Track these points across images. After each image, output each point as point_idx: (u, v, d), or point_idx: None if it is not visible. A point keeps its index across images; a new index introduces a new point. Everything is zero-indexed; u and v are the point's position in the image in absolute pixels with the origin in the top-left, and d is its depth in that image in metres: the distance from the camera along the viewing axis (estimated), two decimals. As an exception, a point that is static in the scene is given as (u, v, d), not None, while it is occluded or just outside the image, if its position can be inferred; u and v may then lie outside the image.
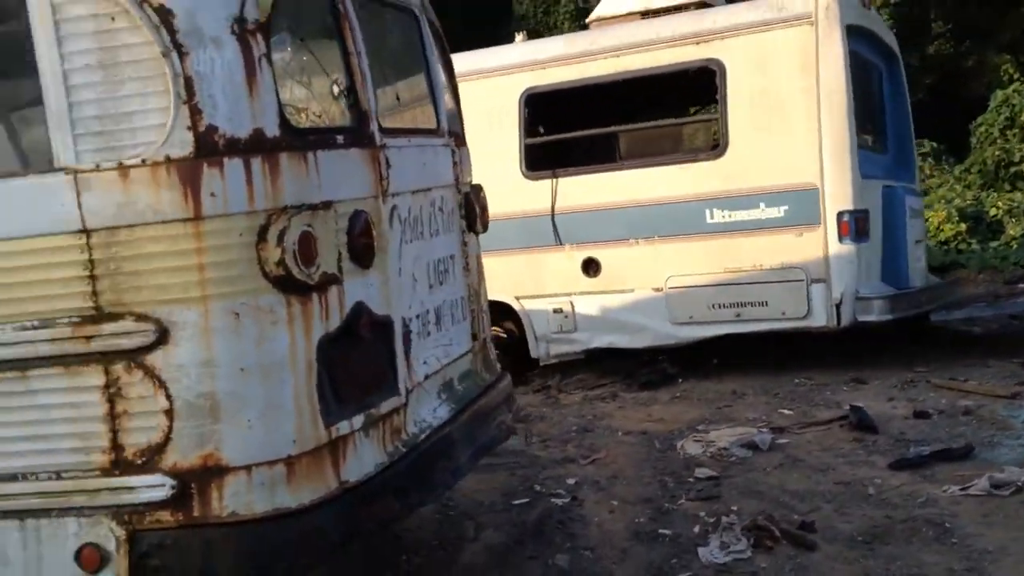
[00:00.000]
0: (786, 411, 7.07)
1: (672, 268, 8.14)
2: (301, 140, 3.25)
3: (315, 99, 3.73)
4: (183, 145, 3.00)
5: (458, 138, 4.68)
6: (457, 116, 4.97)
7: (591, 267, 8.46)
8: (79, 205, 3.04)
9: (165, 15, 2.99)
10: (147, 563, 3.10)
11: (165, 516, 3.10)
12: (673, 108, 10.65)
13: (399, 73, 4.47)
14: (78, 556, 3.14)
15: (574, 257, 8.50)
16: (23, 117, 3.28)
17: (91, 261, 3.05)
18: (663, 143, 9.23)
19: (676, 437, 6.62)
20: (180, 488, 3.08)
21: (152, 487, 3.09)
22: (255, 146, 3.08)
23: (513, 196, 8.64)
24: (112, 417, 3.10)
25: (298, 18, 3.58)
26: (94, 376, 3.09)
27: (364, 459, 3.41)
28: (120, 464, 3.10)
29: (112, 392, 3.09)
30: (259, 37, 3.12)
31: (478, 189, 4.95)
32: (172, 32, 3.00)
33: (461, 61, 9.06)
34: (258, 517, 3.11)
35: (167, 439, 3.08)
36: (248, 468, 3.10)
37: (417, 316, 3.96)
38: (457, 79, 8.92)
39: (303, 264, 3.14)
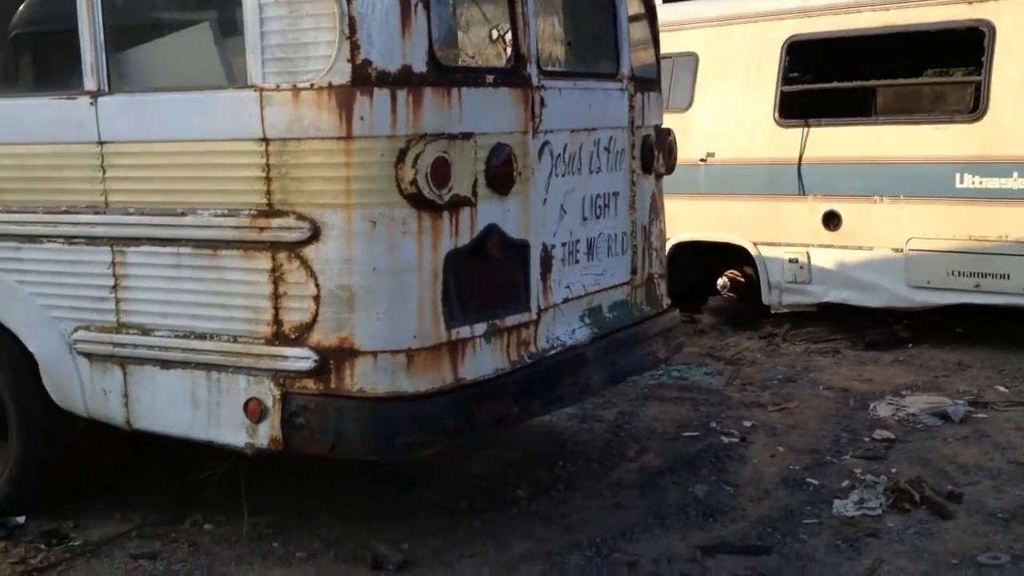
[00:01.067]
0: (1002, 388, 6.84)
1: (914, 229, 7.94)
2: (447, 77, 3.71)
3: (472, 41, 4.17)
4: (342, 74, 3.55)
5: (641, 83, 4.95)
6: (654, 63, 5.24)
7: (831, 220, 8.38)
8: (261, 118, 3.67)
9: (339, -37, 3.52)
10: (294, 420, 3.76)
11: (309, 384, 3.73)
12: (932, 66, 10.16)
13: (579, 20, 4.80)
14: (246, 406, 3.85)
15: (816, 208, 8.46)
16: (232, 42, 3.92)
17: (267, 165, 3.69)
18: (919, 101, 8.91)
19: (874, 399, 6.61)
20: (321, 363, 3.70)
21: (301, 358, 3.73)
22: (402, 80, 3.58)
23: (762, 142, 8.70)
24: (275, 296, 3.76)
25: (468, -33, 4.01)
26: (264, 261, 3.75)
27: (482, 362, 3.89)
28: (279, 336, 3.76)
29: (276, 276, 3.74)
30: (419, -15, 3.59)
31: (664, 133, 5.21)
32: (343, -23, 3.52)
33: (724, 6, 9.23)
34: (380, 396, 3.68)
35: (314, 320, 3.70)
36: (375, 354, 3.67)
37: (563, 244, 4.35)
38: (718, 24, 9.04)
39: (434, 185, 3.62)
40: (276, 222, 3.70)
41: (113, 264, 4.06)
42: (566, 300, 4.40)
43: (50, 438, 4.47)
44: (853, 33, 8.35)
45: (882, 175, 8.09)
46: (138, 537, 4.41)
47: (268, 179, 3.70)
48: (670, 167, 5.32)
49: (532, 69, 4.08)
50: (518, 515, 4.67)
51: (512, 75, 4.01)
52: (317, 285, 3.68)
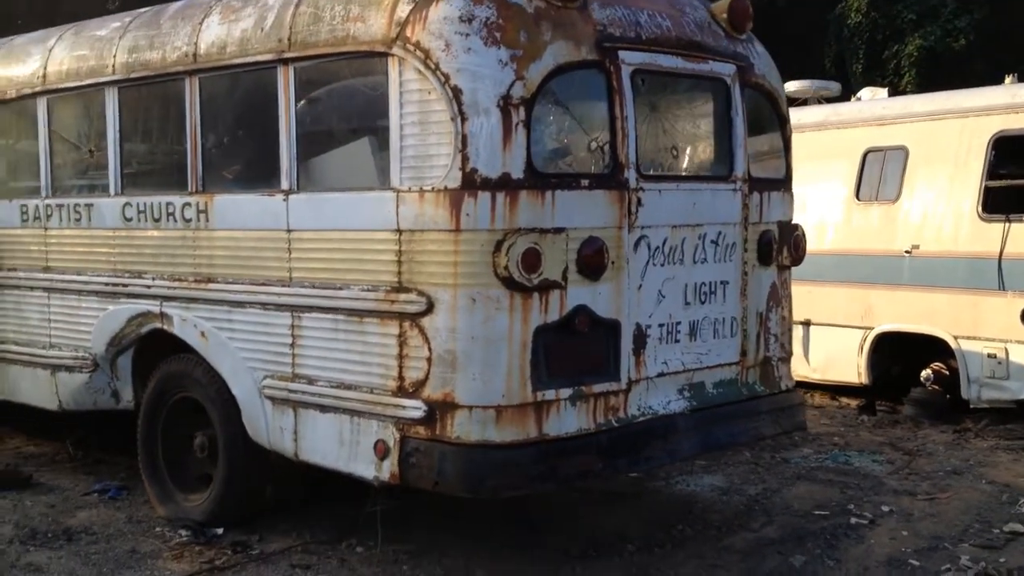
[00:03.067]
0: None
1: (1113, 330, 7.82)
2: (543, 182, 4.51)
3: (572, 151, 4.92)
4: (455, 180, 4.44)
5: (761, 183, 5.50)
6: (783, 166, 5.78)
7: (1030, 317, 8.37)
8: (397, 213, 4.61)
9: (457, 93, 4.43)
10: (408, 459, 4.62)
11: (420, 430, 4.58)
12: None
13: (692, 128, 5.45)
14: (375, 446, 4.75)
15: (1014, 304, 8.46)
16: (383, 154, 4.87)
17: (399, 251, 4.62)
18: None
19: (1032, 495, 6.65)
20: (430, 413, 4.54)
21: (415, 408, 4.59)
22: (502, 184, 4.42)
23: (965, 236, 8.81)
24: (400, 357, 4.65)
25: (572, 91, 4.79)
26: (394, 327, 4.66)
27: (566, 421, 4.59)
28: (401, 389, 4.65)
29: (401, 340, 4.64)
30: (521, 109, 4.44)
31: (790, 228, 5.71)
32: (460, 104, 4.43)
33: (934, 100, 9.47)
34: (473, 443, 4.47)
35: (426, 377, 4.55)
36: (470, 408, 4.47)
37: (660, 325, 4.98)
38: (928, 118, 9.23)
39: (524, 271, 4.41)
40: (403, 296, 4.61)
41: (292, 327, 5.11)
42: (661, 374, 5.01)
43: (248, 465, 5.54)
44: (1060, 129, 8.38)
45: (1083, 274, 8.03)
46: (302, 551, 5.38)
47: (399, 262, 4.62)
48: (797, 259, 5.80)
49: (630, 174, 4.79)
50: (618, 565, 5.26)
51: (609, 179, 4.74)
52: (429, 349, 4.54)
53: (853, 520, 6.10)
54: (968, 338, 8.78)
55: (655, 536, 5.67)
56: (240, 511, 5.65)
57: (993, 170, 8.75)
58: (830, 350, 9.85)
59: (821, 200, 9.88)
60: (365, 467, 4.79)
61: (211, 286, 5.49)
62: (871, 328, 9.46)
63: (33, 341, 6.65)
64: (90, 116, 6.28)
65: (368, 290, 4.76)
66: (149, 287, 5.82)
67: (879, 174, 9.60)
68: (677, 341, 5.09)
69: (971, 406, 9.08)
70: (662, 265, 4.97)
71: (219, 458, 5.62)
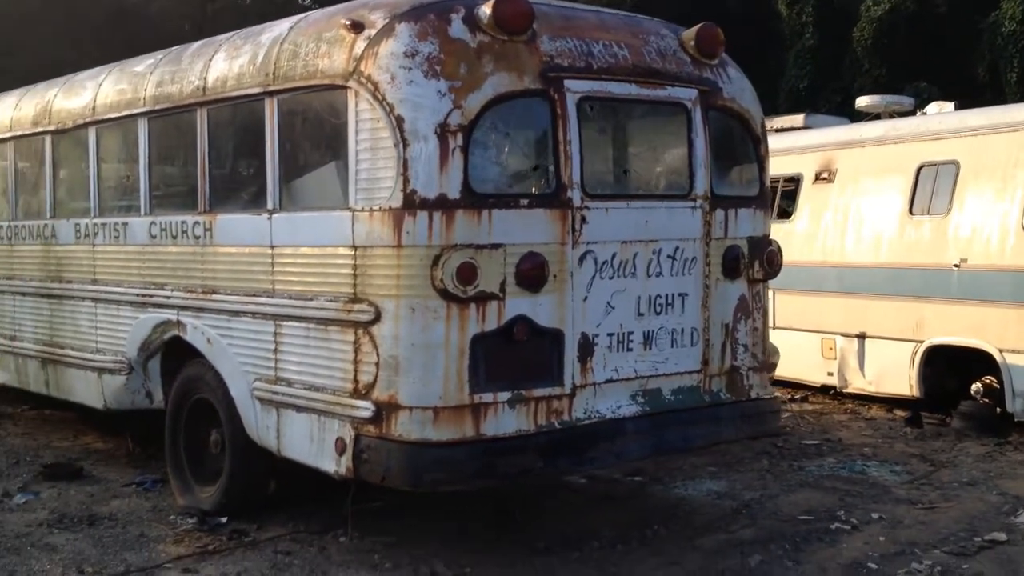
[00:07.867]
0: None
1: None
2: (480, 201, 4.87)
3: (514, 173, 5.25)
4: (397, 200, 4.84)
5: (727, 200, 5.71)
6: (756, 183, 5.96)
7: (1069, 329, 8.24)
8: (352, 231, 5.04)
9: (400, 121, 4.84)
10: (361, 455, 5.03)
11: (370, 429, 4.99)
12: None
13: (648, 150, 5.70)
14: (336, 443, 5.18)
15: (1055, 317, 8.35)
16: (344, 179, 5.28)
17: (355, 265, 5.05)
18: None
19: (1034, 508, 6.62)
20: (378, 413, 4.95)
21: (366, 409, 5.00)
22: (439, 204, 4.80)
23: (1011, 249, 8.74)
24: (355, 362, 5.07)
25: (515, 118, 5.13)
26: (350, 335, 5.09)
27: (504, 422, 4.93)
28: (356, 391, 5.07)
29: (356, 346, 5.06)
30: (459, 135, 4.82)
31: (763, 243, 5.89)
32: (402, 132, 4.84)
33: (986, 115, 9.42)
34: (413, 441, 4.86)
35: (375, 380, 4.97)
36: (411, 409, 4.86)
37: (609, 334, 5.26)
38: (979, 133, 9.16)
39: (459, 283, 4.78)
40: (357, 307, 5.04)
41: (275, 334, 5.60)
42: (610, 380, 5.28)
43: (250, 460, 6.04)
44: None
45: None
46: (290, 540, 5.86)
47: (355, 275, 5.06)
48: (771, 273, 5.98)
49: (574, 193, 5.10)
50: (576, 560, 5.55)
51: (551, 198, 5.07)
52: (378, 354, 4.95)
53: (834, 525, 6.22)
54: (1013, 351, 8.69)
55: (627, 535, 5.92)
56: (243, 502, 6.16)
57: (1038, 182, 8.65)
58: (884, 363, 9.85)
59: (877, 214, 9.91)
60: (328, 462, 5.23)
61: (215, 297, 6.04)
62: (922, 341, 9.43)
63: (84, 346, 7.36)
64: (127, 144, 6.94)
65: (331, 301, 5.21)
66: (169, 298, 6.42)
67: (931, 188, 9.57)
68: (630, 350, 5.36)
69: (1016, 419, 8.95)
70: (611, 278, 5.25)
71: (225, 451, 6.15)
